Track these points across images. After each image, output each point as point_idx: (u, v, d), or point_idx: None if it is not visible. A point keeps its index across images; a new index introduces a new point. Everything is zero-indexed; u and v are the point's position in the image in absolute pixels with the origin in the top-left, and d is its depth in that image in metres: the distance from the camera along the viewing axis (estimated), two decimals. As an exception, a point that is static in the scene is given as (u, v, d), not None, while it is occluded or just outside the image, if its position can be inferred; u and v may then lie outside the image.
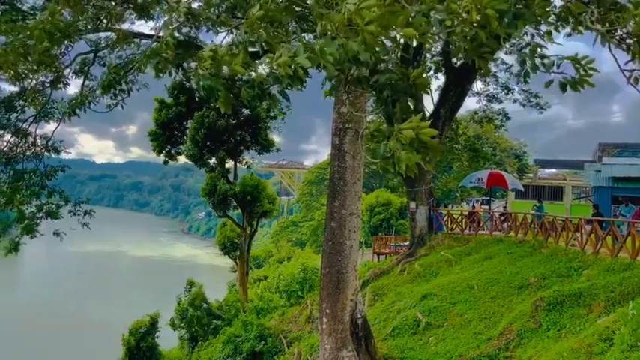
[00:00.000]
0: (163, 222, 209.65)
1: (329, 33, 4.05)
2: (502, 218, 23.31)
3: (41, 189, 15.79)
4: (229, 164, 29.53)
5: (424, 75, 4.42)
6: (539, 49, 4.73)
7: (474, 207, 32.57)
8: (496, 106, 29.98)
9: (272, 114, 27.91)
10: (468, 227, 23.18)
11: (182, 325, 24.52)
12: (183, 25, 7.75)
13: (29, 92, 13.13)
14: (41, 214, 15.72)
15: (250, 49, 5.09)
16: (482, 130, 41.46)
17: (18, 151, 15.68)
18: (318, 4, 4.38)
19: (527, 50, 4.76)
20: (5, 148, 15.64)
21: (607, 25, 4.87)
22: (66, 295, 76.35)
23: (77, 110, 11.78)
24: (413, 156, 3.94)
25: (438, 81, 25.24)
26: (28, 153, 15.84)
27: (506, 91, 28.32)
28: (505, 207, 31.61)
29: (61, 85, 13.47)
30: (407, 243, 25.19)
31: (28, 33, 6.90)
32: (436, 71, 24.78)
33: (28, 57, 6.37)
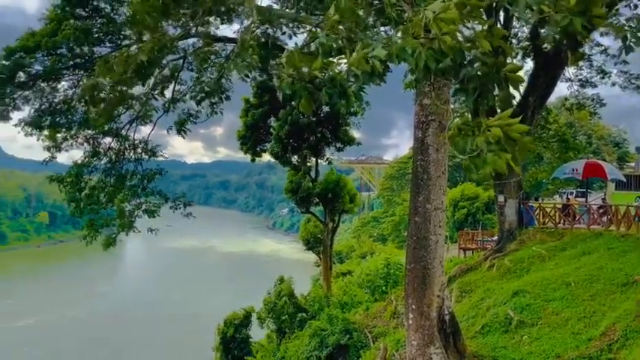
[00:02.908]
0: (249, 218, 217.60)
1: (405, 37, 3.96)
2: (601, 211, 21.69)
3: (142, 190, 17.10)
4: (311, 162, 30.02)
5: (518, 67, 4.16)
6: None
7: (568, 199, 30.57)
8: (589, 92, 27.90)
9: (352, 110, 27.97)
10: (562, 221, 21.84)
11: (270, 317, 25.35)
12: (264, 27, 7.98)
13: (137, 98, 14.21)
14: (139, 212, 16.99)
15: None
16: (575, 118, 38.82)
17: (120, 154, 17.04)
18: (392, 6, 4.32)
19: (630, 24, 4.35)
20: (109, 152, 17.06)
21: None
22: (161, 288, 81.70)
23: (183, 126, 12.67)
24: (499, 159, 3.75)
25: (526, 66, 23.91)
26: (128, 154, 17.16)
27: (601, 75, 26.23)
28: (604, 199, 29.34)
29: (157, 93, 14.45)
30: (495, 238, 24.23)
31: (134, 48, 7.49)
32: (524, 56, 23.48)
33: (130, 68, 6.89)
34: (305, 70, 4.94)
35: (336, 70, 4.91)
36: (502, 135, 3.74)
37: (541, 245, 18.76)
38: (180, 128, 13.36)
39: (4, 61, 14.49)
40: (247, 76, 6.09)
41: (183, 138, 13.72)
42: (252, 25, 6.46)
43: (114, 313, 66.49)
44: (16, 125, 15.94)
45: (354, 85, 4.63)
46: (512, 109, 4.04)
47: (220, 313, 29.46)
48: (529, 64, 23.23)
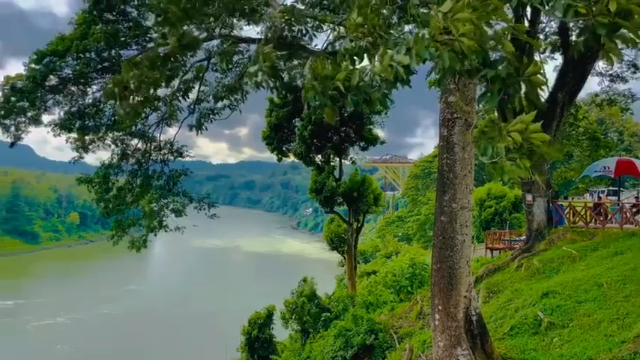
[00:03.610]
0: (274, 218, 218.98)
1: (424, 39, 3.88)
2: (634, 210, 21.06)
3: (167, 191, 17.37)
4: (334, 161, 29.99)
5: (539, 68, 4.04)
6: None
7: (599, 198, 29.79)
8: (621, 87, 27.12)
9: (376, 109, 27.82)
10: (593, 220, 21.29)
11: (293, 317, 25.42)
12: (287, 26, 7.96)
13: (163, 99, 14.40)
14: (167, 212, 17.26)
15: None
16: (606, 114, 37.79)
17: (146, 155, 17.33)
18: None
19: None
20: (135, 153, 17.38)
21: None
22: (188, 286, 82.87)
23: (202, 123, 12.76)
24: (517, 169, 3.63)
25: (554, 62, 23.39)
26: (155, 156, 17.44)
27: (633, 69, 25.44)
28: (637, 197, 28.49)
29: (181, 94, 14.61)
30: (523, 238, 23.78)
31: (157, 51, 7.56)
32: (552, 51, 22.94)
33: (155, 71, 6.97)
34: (329, 79, 4.88)
35: (360, 77, 4.85)
36: (521, 141, 3.61)
37: (571, 245, 18.32)
38: (200, 124, 13.41)
39: (35, 65, 14.88)
40: (263, 85, 6.04)
41: (200, 133, 13.75)
42: (275, 24, 6.46)
43: (143, 312, 67.78)
44: (46, 126, 16.37)
45: (378, 92, 4.57)
46: (540, 108, 3.91)
47: (246, 312, 29.69)
48: (558, 60, 22.73)
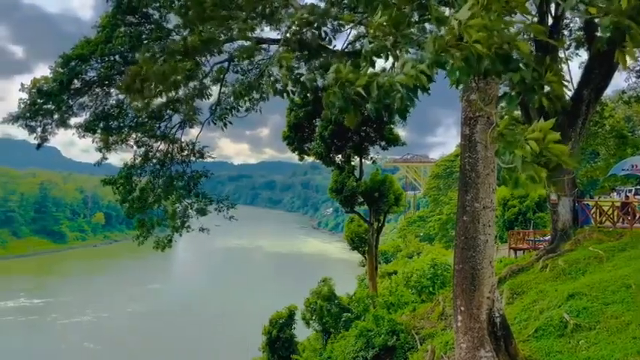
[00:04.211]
0: (295, 218, 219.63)
1: (438, 46, 3.82)
2: (664, 209, 20.51)
3: (188, 192, 17.57)
4: (355, 161, 29.89)
5: (560, 77, 3.92)
6: None
7: (627, 197, 29.04)
8: (649, 83, 26.40)
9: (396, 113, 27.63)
10: (620, 220, 20.78)
11: (314, 317, 25.43)
12: (306, 27, 7.96)
13: (184, 100, 14.56)
14: (191, 212, 17.48)
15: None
16: (633, 112, 36.88)
17: (168, 156, 17.55)
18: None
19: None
20: (158, 154, 17.61)
21: None
22: (211, 286, 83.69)
23: (224, 119, 12.84)
24: (532, 183, 3.51)
25: (580, 58, 22.88)
26: (177, 156, 17.65)
27: (661, 65, 24.77)
28: (667, 196, 27.72)
29: (204, 95, 14.74)
30: (547, 238, 23.34)
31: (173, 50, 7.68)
32: (577, 47, 22.44)
33: (176, 72, 7.07)
34: (350, 85, 4.84)
35: (379, 84, 4.80)
36: (538, 150, 3.49)
37: (598, 245, 17.90)
38: (223, 120, 13.47)
39: (60, 69, 15.19)
40: (282, 92, 6.03)
41: (225, 128, 13.79)
42: (295, 24, 6.47)
43: (166, 310, 68.72)
44: (72, 128, 16.69)
45: (398, 101, 4.50)
46: (564, 107, 3.81)
47: (268, 311, 29.82)
48: (583, 56, 22.23)
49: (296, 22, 7.22)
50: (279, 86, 5.76)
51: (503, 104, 4.24)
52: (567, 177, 19.95)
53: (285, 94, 6.06)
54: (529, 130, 3.57)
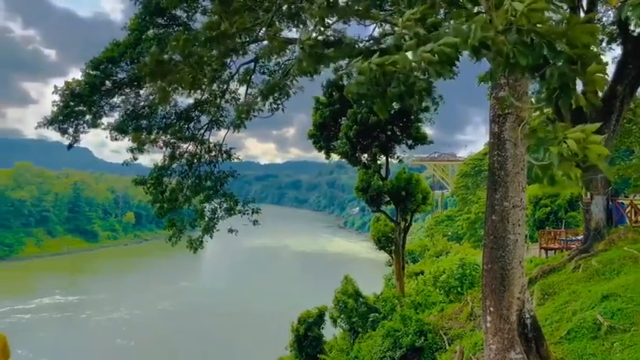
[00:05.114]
0: (321, 217, 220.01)
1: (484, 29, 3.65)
2: None
3: (215, 192, 17.81)
4: (381, 160, 29.68)
5: (603, 67, 3.73)
6: None
7: (663, 196, 28.08)
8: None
9: (423, 106, 27.27)
10: (657, 219, 20.15)
11: (342, 316, 25.40)
12: (331, 24, 7.91)
13: (210, 101, 14.72)
14: (221, 212, 17.73)
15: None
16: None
17: (196, 157, 17.82)
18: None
19: None
20: (186, 155, 17.90)
21: None
22: (238, 284, 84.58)
23: (244, 119, 12.92)
24: (568, 180, 3.38)
25: (612, 52, 22.22)
26: (206, 157, 17.91)
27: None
28: None
29: (231, 97, 14.90)
30: (580, 237, 22.77)
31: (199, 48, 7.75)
32: (610, 42, 21.78)
33: (204, 69, 7.15)
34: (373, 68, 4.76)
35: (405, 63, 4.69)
36: (577, 151, 3.36)
37: (633, 245, 17.37)
38: (241, 120, 13.53)
39: (91, 71, 15.57)
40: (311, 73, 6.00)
41: (241, 128, 13.84)
42: (319, 22, 6.44)
43: (195, 308, 69.79)
44: (104, 129, 17.10)
45: (420, 82, 4.39)
46: (597, 107, 3.66)
47: (294, 310, 29.95)
48: (616, 50, 21.56)
49: (317, 15, 7.16)
50: (304, 64, 5.72)
51: (533, 100, 4.11)
52: (600, 175, 19.40)
53: (310, 73, 6.03)
54: (571, 131, 3.44)
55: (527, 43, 3.42)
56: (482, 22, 3.59)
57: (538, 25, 3.36)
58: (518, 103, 9.20)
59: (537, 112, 4.07)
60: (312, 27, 7.96)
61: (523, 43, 3.41)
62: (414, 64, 3.99)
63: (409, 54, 4.01)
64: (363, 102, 4.68)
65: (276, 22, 10.41)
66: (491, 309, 10.21)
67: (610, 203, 20.07)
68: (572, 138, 3.36)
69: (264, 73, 16.88)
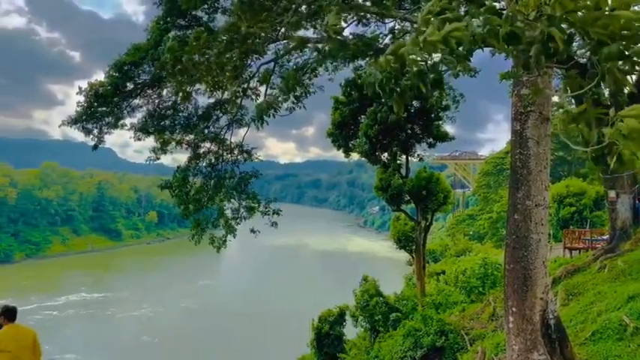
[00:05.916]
0: (340, 216, 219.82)
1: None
2: None
3: (240, 193, 17.98)
4: (401, 159, 29.45)
5: None
6: None
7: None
8: None
9: (444, 104, 26.99)
10: (687, 218, 19.56)
11: (363, 315, 25.35)
12: (353, 22, 7.91)
13: (231, 101, 14.80)
14: (242, 212, 17.89)
15: None
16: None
17: (218, 157, 17.99)
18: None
19: None
20: (209, 155, 18.10)
21: None
22: (259, 283, 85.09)
23: (264, 117, 12.98)
24: (637, 159, 3.21)
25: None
26: (227, 157, 18.07)
27: None
28: None
29: (252, 95, 14.97)
30: (606, 237, 22.29)
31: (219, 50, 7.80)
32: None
33: (224, 69, 7.21)
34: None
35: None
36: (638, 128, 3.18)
37: (661, 245, 16.95)
38: (261, 117, 13.58)
39: (114, 73, 15.83)
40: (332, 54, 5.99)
41: (260, 128, 13.87)
42: (338, 21, 6.44)
43: (217, 306, 70.53)
44: (128, 129, 17.38)
45: (434, 73, 4.29)
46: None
47: (315, 309, 30.00)
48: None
49: (335, 11, 7.17)
50: (327, 48, 5.72)
51: (558, 98, 4.00)
52: (627, 173, 18.97)
53: (335, 55, 6.02)
54: (627, 110, 3.27)
55: (563, 30, 3.27)
56: (513, 12, 3.47)
57: (577, 13, 3.20)
58: (544, 93, 9.02)
59: (561, 110, 3.97)
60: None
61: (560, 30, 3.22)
62: (425, 53, 3.88)
63: (420, 38, 3.87)
64: (381, 98, 4.62)
65: (295, 22, 10.43)
66: (514, 309, 10.08)
67: (637, 202, 19.62)
68: (631, 115, 3.19)
69: (282, 77, 16.94)
